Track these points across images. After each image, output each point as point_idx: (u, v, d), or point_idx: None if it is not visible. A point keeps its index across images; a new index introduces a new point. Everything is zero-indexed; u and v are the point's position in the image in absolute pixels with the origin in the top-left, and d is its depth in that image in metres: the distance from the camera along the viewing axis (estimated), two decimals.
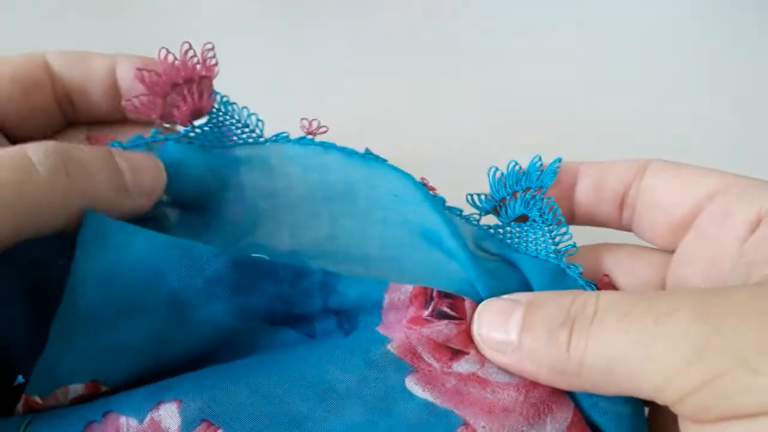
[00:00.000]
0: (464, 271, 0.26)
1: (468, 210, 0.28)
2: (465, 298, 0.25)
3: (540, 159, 0.27)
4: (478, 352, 0.24)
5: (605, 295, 0.21)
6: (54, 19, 0.46)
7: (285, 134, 0.28)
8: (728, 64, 0.51)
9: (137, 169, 0.24)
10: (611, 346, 0.20)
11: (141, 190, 0.24)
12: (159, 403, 0.21)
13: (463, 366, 0.24)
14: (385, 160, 0.27)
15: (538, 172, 0.27)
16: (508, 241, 0.28)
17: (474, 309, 0.25)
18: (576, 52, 0.50)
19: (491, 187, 0.28)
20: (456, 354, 0.24)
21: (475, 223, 0.28)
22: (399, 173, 0.27)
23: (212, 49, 0.27)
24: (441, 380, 0.23)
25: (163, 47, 0.26)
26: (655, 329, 0.19)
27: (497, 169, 0.28)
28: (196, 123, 0.27)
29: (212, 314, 0.24)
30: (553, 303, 0.22)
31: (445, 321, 0.24)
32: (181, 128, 0.27)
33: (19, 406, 0.21)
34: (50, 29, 0.45)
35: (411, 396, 0.22)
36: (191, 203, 0.27)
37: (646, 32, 0.53)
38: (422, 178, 0.28)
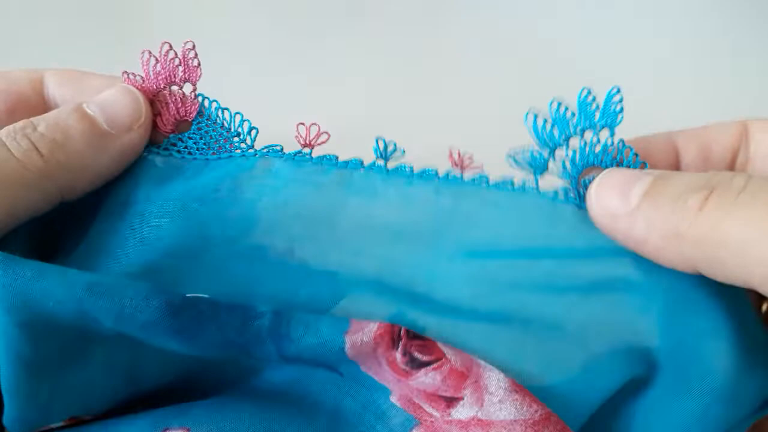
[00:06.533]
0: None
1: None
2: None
3: (590, 92, 0.22)
4: (472, 393, 0.21)
5: (757, 176, 0.19)
6: (52, 20, 0.46)
7: (278, 147, 0.24)
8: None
9: (108, 107, 0.23)
10: (758, 224, 0.18)
11: (120, 126, 0.23)
12: (165, 430, 0.21)
13: (461, 412, 0.21)
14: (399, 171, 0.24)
15: (595, 110, 0.22)
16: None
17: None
18: (578, 49, 0.49)
19: (537, 137, 0.22)
20: (450, 401, 0.21)
21: (536, 191, 0.23)
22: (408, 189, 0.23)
23: (193, 48, 0.24)
24: (444, 430, 0.21)
25: (145, 50, 0.24)
26: None
27: (537, 114, 0.22)
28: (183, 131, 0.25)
29: (168, 346, 0.21)
30: (691, 174, 0.21)
31: (423, 369, 0.21)
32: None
33: None
34: (49, 29, 0.46)
35: None
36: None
37: (652, 29, 0.51)
38: (451, 154, 0.24)
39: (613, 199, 0.21)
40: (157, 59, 0.24)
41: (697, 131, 0.25)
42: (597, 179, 0.22)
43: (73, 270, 0.20)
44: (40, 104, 0.26)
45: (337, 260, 0.23)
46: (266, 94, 0.41)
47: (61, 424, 0.21)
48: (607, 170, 0.22)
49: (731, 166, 0.25)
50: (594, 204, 0.22)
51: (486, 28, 0.50)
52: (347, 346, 0.21)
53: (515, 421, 0.21)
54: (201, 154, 0.24)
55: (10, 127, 0.22)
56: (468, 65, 0.48)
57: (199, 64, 0.24)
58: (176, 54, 0.24)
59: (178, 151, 0.24)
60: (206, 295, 0.21)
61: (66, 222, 0.24)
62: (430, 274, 0.23)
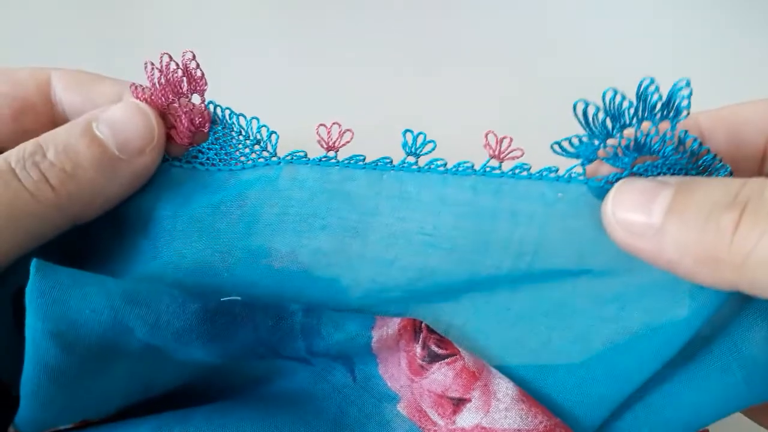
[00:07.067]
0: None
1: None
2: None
3: (652, 81, 0.18)
4: (480, 396, 0.21)
5: None
6: (52, 18, 0.42)
7: (301, 153, 0.23)
8: None
9: (119, 130, 0.22)
10: None
11: (132, 151, 0.22)
12: None
13: (466, 419, 0.22)
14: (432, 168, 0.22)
15: (657, 100, 0.19)
16: None
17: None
18: (588, 46, 0.45)
19: (587, 128, 0.20)
20: (458, 405, 0.22)
21: (583, 179, 0.21)
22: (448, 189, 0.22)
23: (194, 58, 0.22)
24: None
25: (148, 61, 0.22)
26: None
27: (588, 103, 0.19)
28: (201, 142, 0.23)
29: (194, 355, 0.22)
30: (716, 186, 0.19)
31: (437, 364, 0.22)
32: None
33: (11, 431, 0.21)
34: (48, 27, 0.41)
35: None
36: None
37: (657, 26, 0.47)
38: (487, 141, 0.21)
39: (634, 214, 0.19)
40: (160, 71, 0.22)
41: (724, 112, 0.22)
42: (612, 191, 0.20)
43: (111, 278, 0.21)
44: (47, 108, 0.25)
45: (369, 273, 0.22)
46: (266, 94, 0.38)
47: (70, 426, 0.21)
48: (621, 182, 0.20)
49: (766, 149, 0.22)
50: (611, 220, 0.20)
51: (494, 24, 0.46)
52: (374, 339, 0.22)
53: (519, 430, 0.21)
54: (224, 164, 0.23)
55: (20, 151, 0.21)
56: (474, 62, 0.44)
57: (203, 75, 0.22)
58: (178, 65, 0.22)
59: (201, 164, 0.24)
60: (239, 298, 0.22)
61: (84, 239, 0.24)
62: (469, 281, 0.22)
